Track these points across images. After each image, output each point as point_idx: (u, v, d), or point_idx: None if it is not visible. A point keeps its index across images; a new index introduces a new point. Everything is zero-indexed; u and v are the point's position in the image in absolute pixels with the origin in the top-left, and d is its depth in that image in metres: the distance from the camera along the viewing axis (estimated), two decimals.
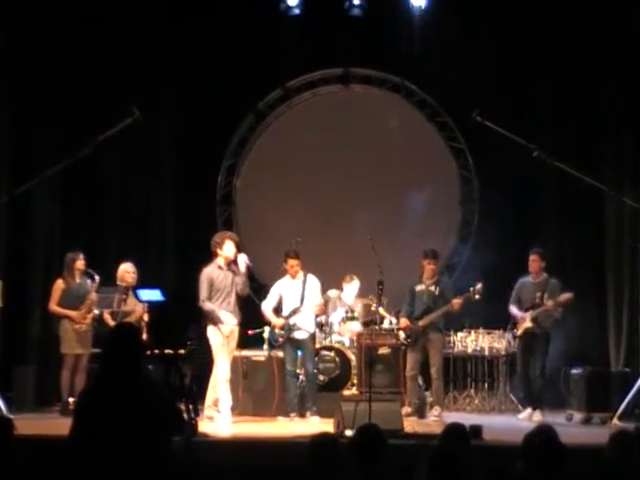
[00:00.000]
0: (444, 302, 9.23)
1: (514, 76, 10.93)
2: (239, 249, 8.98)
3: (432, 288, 9.34)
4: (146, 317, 8.34)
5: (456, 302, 9.13)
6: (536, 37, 10.83)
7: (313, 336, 9.23)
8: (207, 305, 8.66)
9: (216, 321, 8.64)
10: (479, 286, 9.17)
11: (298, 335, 9.06)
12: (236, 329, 8.85)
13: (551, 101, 10.85)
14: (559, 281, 9.32)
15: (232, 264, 8.84)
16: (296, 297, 9.12)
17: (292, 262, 9.08)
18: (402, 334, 9.41)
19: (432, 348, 9.24)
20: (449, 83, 11.00)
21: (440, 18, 10.81)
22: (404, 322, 9.36)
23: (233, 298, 8.79)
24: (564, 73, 10.73)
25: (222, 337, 8.69)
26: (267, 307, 9.21)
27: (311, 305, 9.12)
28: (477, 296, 9.18)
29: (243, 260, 8.81)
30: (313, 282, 9.19)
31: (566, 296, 9.09)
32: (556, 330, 9.40)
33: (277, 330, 9.08)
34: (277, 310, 9.23)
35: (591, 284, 10.56)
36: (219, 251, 8.83)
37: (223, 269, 8.80)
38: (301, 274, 9.15)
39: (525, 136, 9.30)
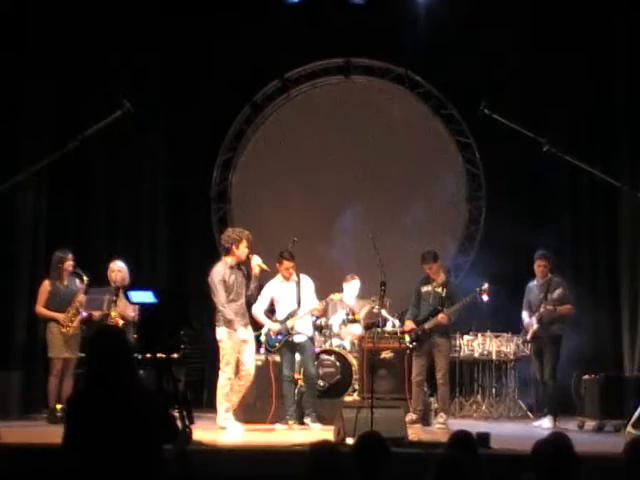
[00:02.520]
0: (451, 304, 9.24)
1: (524, 66, 10.91)
2: (251, 250, 8.75)
3: (439, 289, 9.32)
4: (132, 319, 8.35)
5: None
6: (547, 24, 10.81)
7: (312, 339, 9.21)
8: (228, 313, 8.46)
9: (230, 326, 8.49)
10: (485, 286, 9.18)
11: (297, 339, 9.03)
12: (250, 331, 8.77)
13: (563, 93, 10.83)
14: (562, 279, 9.34)
15: (241, 264, 8.68)
16: (291, 300, 9.05)
17: (287, 264, 8.95)
18: (407, 338, 9.39)
19: (438, 352, 9.23)
20: (455, 74, 11.00)
21: (445, 5, 10.82)
22: (409, 325, 9.35)
23: (243, 300, 8.68)
24: (577, 63, 10.73)
25: (234, 341, 8.54)
26: (259, 310, 9.07)
27: (309, 308, 9.06)
28: (485, 297, 9.19)
29: (257, 263, 8.64)
30: (307, 283, 9.12)
31: (558, 292, 9.13)
32: (568, 333, 9.41)
33: (273, 335, 9.03)
34: (269, 312, 9.16)
35: (605, 285, 10.58)
36: (235, 249, 8.59)
37: (234, 269, 8.64)
38: (294, 275, 9.06)
39: (535, 130, 9.30)
